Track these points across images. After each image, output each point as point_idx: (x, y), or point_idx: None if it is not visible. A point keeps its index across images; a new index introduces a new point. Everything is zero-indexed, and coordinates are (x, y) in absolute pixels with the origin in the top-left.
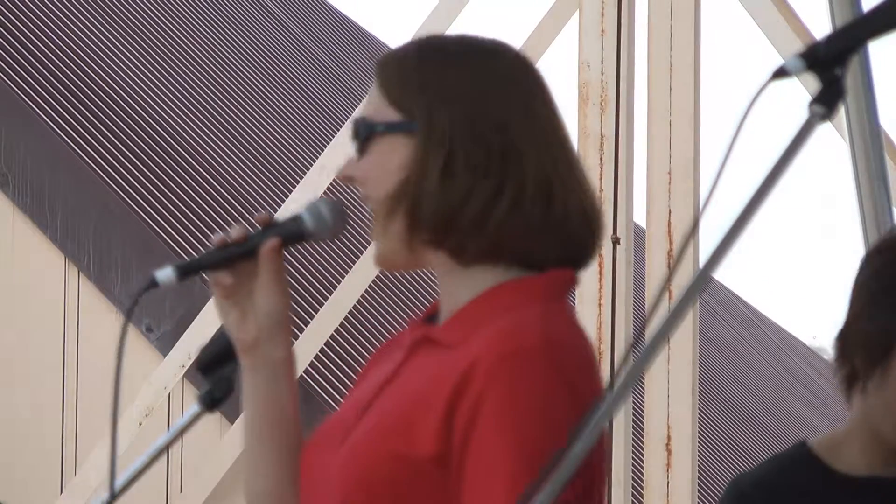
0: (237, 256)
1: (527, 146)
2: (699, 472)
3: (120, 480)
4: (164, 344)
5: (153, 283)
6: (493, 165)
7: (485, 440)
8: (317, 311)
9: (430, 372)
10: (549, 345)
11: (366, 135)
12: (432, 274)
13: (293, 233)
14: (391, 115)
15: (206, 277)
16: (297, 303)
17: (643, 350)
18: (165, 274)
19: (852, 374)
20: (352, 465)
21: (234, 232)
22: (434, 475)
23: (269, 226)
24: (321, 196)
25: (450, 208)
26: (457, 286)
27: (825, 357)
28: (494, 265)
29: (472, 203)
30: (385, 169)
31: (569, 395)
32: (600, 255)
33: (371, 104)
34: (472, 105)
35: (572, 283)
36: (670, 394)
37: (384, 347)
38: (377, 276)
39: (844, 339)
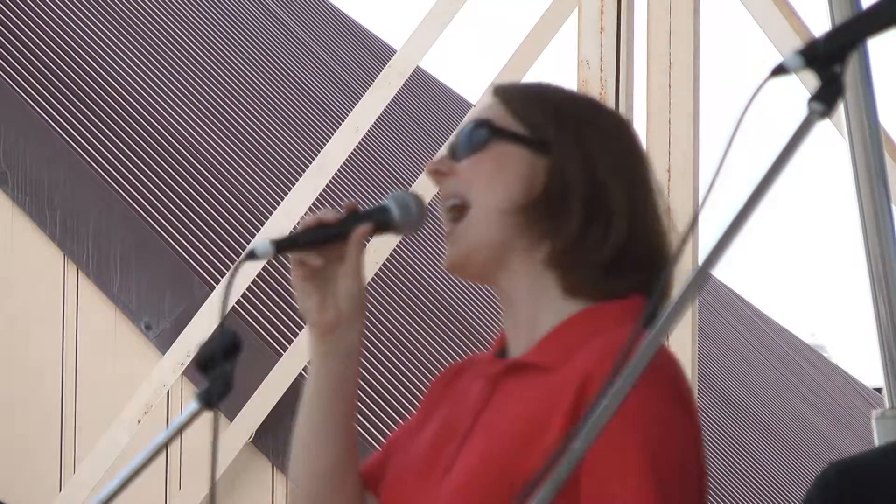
0: (330, 238)
1: (628, 191)
2: None
3: (119, 478)
4: (163, 342)
5: (252, 255)
6: (606, 201)
7: (607, 445)
8: None
9: (535, 394)
10: (664, 360)
11: (488, 137)
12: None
13: (380, 222)
14: (515, 125)
15: (291, 257)
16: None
17: (643, 348)
18: (263, 246)
19: None
20: (467, 491)
21: (327, 214)
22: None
23: (357, 213)
24: (406, 191)
25: (576, 235)
26: (540, 313)
27: (824, 354)
28: (578, 294)
29: (591, 234)
30: (500, 173)
31: (682, 402)
32: None
33: (490, 111)
34: (599, 142)
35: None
36: None
37: (444, 381)
38: (374, 276)
39: None
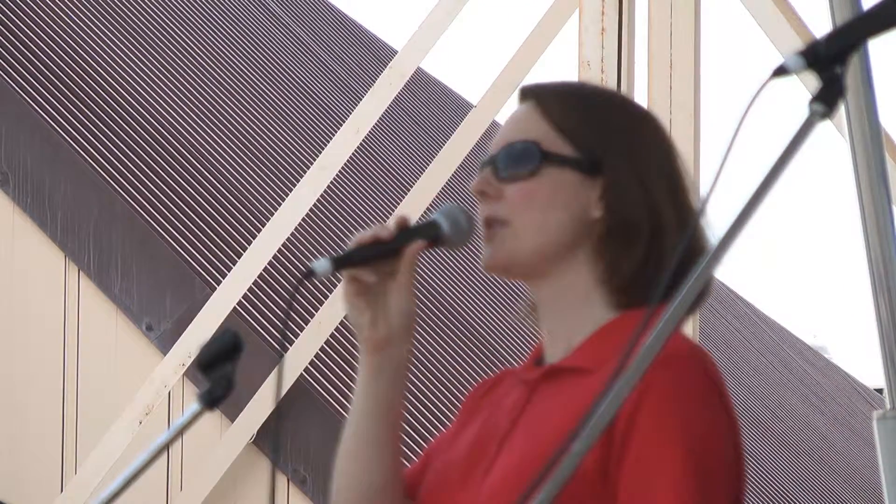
0: (383, 255)
1: (676, 204)
2: None
3: (120, 478)
4: (165, 342)
5: (311, 273)
6: (661, 220)
7: (645, 442)
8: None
9: (575, 396)
10: (696, 351)
11: (538, 162)
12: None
13: (431, 237)
14: (562, 146)
15: (344, 274)
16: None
17: (644, 350)
18: (322, 265)
19: None
20: (507, 493)
21: (381, 231)
22: (597, 486)
23: (408, 228)
24: (453, 205)
25: (644, 260)
26: (581, 321)
27: (825, 355)
28: (623, 307)
29: (661, 257)
30: (553, 200)
31: (718, 396)
32: None
33: (531, 129)
34: (646, 156)
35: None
36: None
37: (481, 391)
38: None
39: None
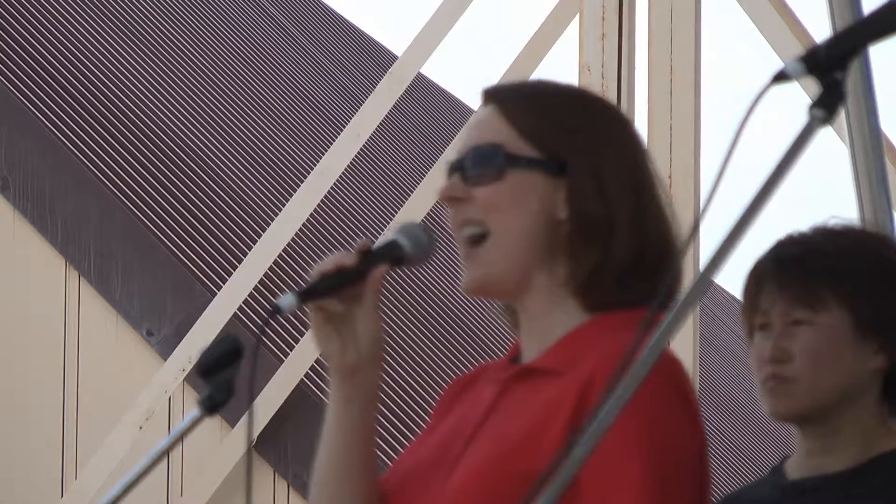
0: (348, 283)
1: (637, 202)
2: None
3: (121, 484)
4: (165, 347)
5: (277, 310)
6: (619, 218)
7: (608, 452)
8: None
9: (542, 397)
10: (665, 360)
11: (503, 164)
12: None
13: (393, 258)
14: (526, 148)
15: (308, 305)
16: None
17: (645, 353)
18: (287, 300)
19: None
20: (471, 491)
21: (344, 259)
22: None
23: (369, 252)
24: (411, 221)
25: (596, 257)
26: (554, 323)
27: None
28: (595, 307)
29: (616, 254)
30: (521, 202)
31: (684, 405)
32: None
33: (495, 132)
34: (608, 156)
35: (657, 318)
36: None
37: (457, 388)
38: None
39: None
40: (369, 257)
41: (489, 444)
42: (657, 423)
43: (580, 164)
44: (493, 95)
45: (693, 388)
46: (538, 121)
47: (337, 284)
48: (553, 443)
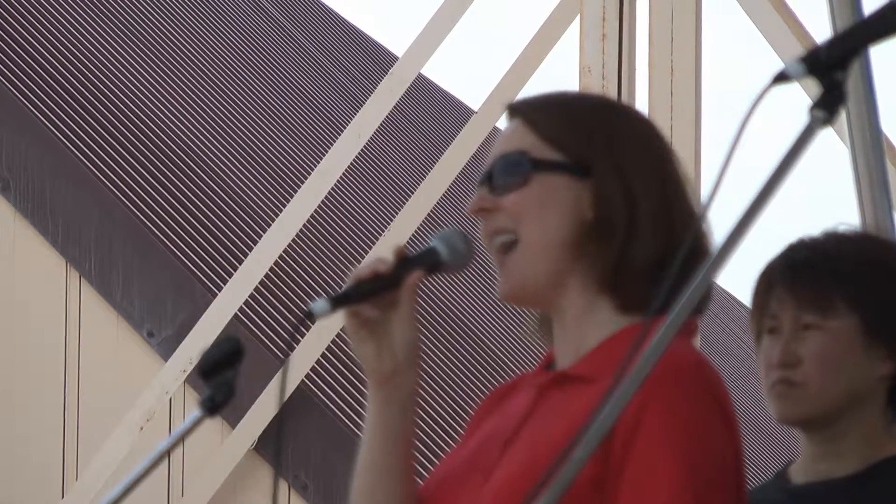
0: (383, 288)
1: (663, 199)
2: None
3: (121, 484)
4: (166, 349)
5: (310, 316)
6: (646, 216)
7: (645, 455)
8: None
9: (578, 404)
10: (700, 365)
11: (528, 170)
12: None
13: (430, 265)
14: (551, 152)
15: (344, 310)
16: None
17: (643, 359)
18: (321, 305)
19: None
20: (507, 496)
21: (380, 265)
22: (590, 500)
23: (406, 258)
24: (450, 229)
25: (623, 256)
26: (589, 328)
27: None
28: (631, 310)
29: (635, 252)
30: (548, 206)
31: (719, 412)
32: None
33: (519, 140)
34: (633, 156)
35: (694, 323)
36: None
37: (496, 395)
38: None
39: None
40: (406, 263)
41: (525, 450)
42: (695, 426)
43: (605, 164)
44: (517, 108)
45: (727, 393)
46: (561, 125)
47: (371, 290)
48: None
